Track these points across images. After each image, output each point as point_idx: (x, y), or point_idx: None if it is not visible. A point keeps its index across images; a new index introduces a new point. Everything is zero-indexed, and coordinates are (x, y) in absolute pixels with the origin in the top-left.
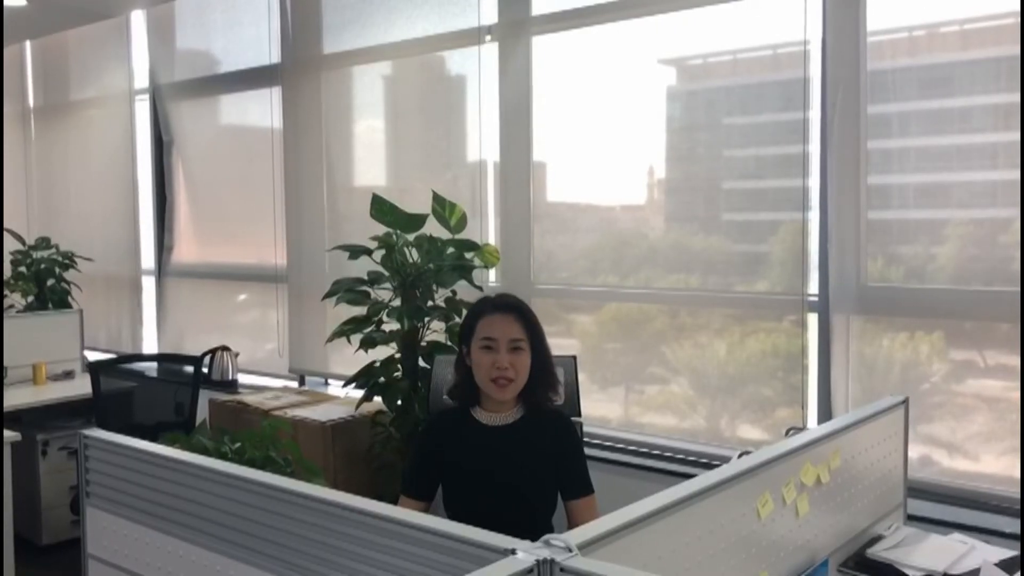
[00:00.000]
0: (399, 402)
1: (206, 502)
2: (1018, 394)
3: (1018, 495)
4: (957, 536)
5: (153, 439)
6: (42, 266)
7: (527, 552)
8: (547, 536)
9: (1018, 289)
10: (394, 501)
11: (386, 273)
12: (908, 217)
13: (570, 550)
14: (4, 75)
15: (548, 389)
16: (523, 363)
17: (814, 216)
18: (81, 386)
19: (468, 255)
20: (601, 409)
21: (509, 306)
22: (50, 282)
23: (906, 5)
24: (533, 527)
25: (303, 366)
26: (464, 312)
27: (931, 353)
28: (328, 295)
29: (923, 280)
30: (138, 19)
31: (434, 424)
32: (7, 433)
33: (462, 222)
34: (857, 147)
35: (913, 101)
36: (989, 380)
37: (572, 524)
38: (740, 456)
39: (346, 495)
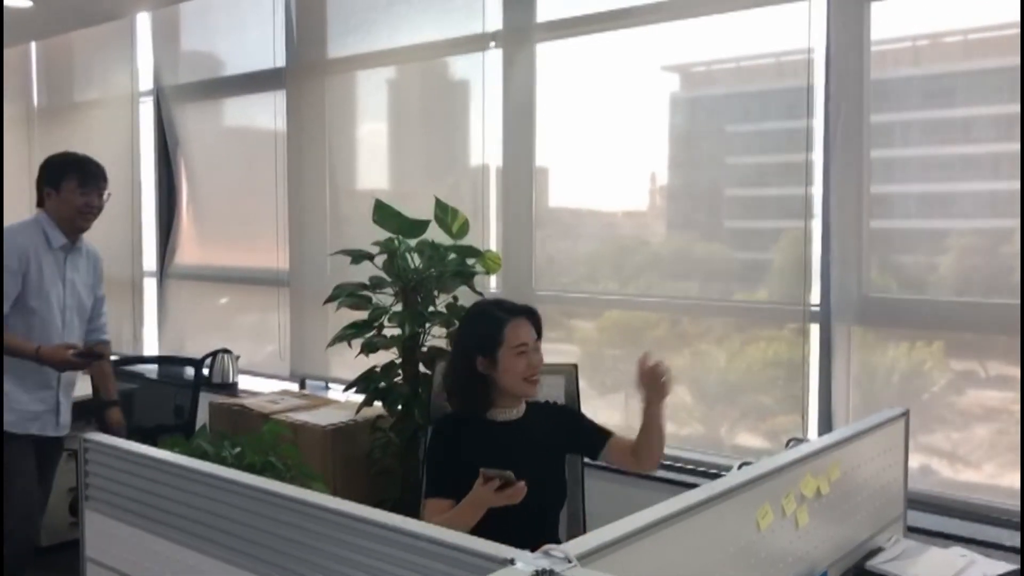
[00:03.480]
0: (399, 407)
1: (205, 507)
2: (1018, 406)
3: (1018, 507)
4: (957, 549)
5: (153, 441)
6: None
7: (526, 563)
8: (546, 547)
9: (1017, 301)
10: (394, 506)
11: (388, 278)
12: (910, 227)
13: (569, 561)
14: (6, 76)
15: None
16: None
17: (816, 225)
18: (81, 387)
19: (470, 261)
20: (601, 416)
21: (526, 311)
22: None
23: (910, 15)
24: (543, 521)
25: (304, 370)
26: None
27: (932, 364)
28: (330, 299)
29: (925, 290)
30: (143, 21)
31: (445, 428)
32: None
33: (464, 228)
34: (860, 156)
35: (916, 111)
36: (990, 391)
37: (625, 457)
38: (740, 467)
39: (345, 502)
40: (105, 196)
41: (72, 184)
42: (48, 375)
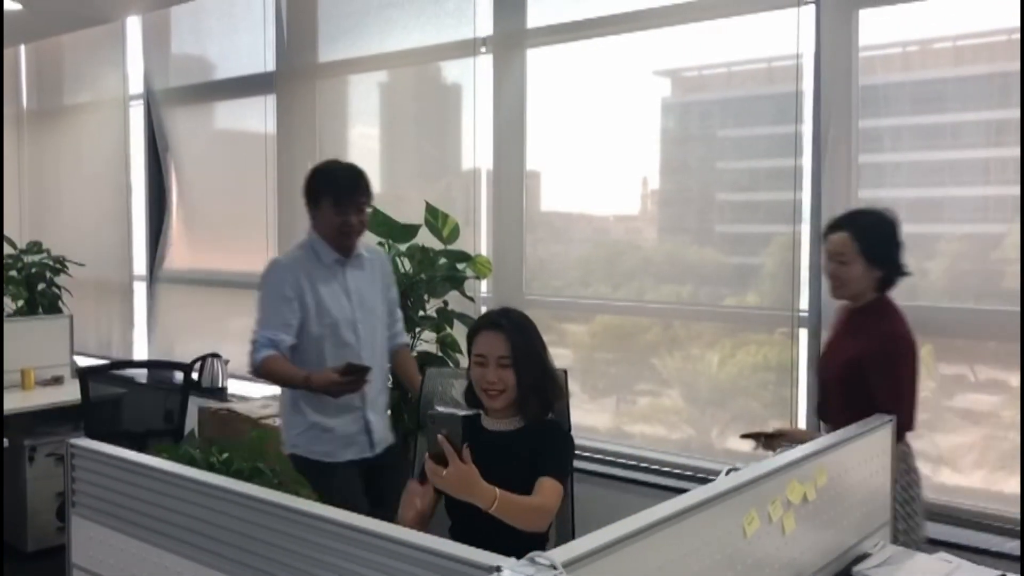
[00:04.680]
0: (389, 412)
1: (192, 514)
2: (1007, 411)
3: (1005, 512)
4: (943, 555)
5: (142, 447)
6: (33, 270)
7: (513, 570)
8: (532, 553)
9: (1007, 307)
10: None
11: None
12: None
13: (555, 568)
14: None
15: (541, 402)
16: (511, 378)
17: (805, 229)
18: (70, 392)
19: (460, 266)
20: (591, 419)
21: (499, 324)
22: (41, 286)
23: (899, 21)
24: (532, 535)
25: None
26: (455, 322)
27: (921, 369)
28: None
29: (915, 295)
30: (134, 25)
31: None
32: None
33: (455, 233)
34: (848, 161)
35: (905, 116)
36: (979, 395)
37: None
38: (727, 473)
39: (332, 509)
40: (368, 211)
41: (327, 203)
42: (350, 396)
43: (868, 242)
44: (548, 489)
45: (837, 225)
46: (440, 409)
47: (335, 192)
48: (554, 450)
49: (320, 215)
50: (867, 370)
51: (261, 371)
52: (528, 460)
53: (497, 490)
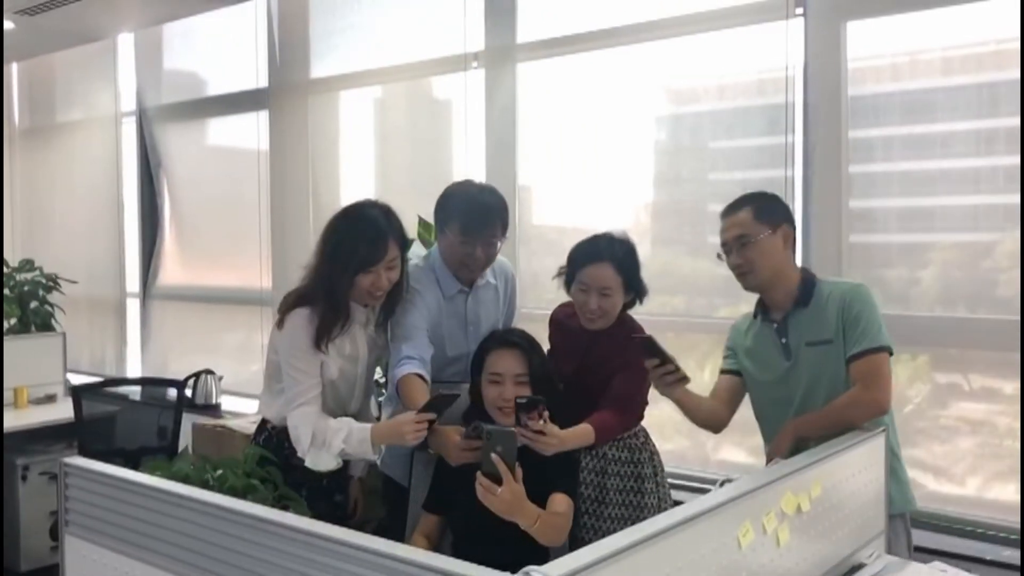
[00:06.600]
0: None
1: (187, 532)
2: (1002, 419)
3: (1000, 521)
4: (938, 565)
5: (136, 464)
6: (25, 288)
7: None
8: (527, 568)
9: (1000, 316)
10: (378, 527)
11: None
12: (891, 241)
13: None
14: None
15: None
16: (527, 394)
17: (799, 240)
18: (63, 410)
19: None
20: None
21: (514, 343)
22: (33, 304)
23: (887, 33)
24: (534, 548)
25: None
26: None
27: (914, 377)
28: None
29: (908, 304)
30: (126, 42)
31: None
32: None
33: None
34: (839, 171)
35: (895, 126)
36: (973, 404)
37: None
38: (721, 484)
39: (326, 525)
40: (497, 245)
41: (455, 229)
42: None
43: (628, 273)
44: (564, 504)
45: (597, 256)
46: (494, 426)
47: (464, 220)
48: (564, 467)
49: (445, 240)
50: (632, 375)
51: (397, 390)
52: (534, 476)
53: (539, 510)
